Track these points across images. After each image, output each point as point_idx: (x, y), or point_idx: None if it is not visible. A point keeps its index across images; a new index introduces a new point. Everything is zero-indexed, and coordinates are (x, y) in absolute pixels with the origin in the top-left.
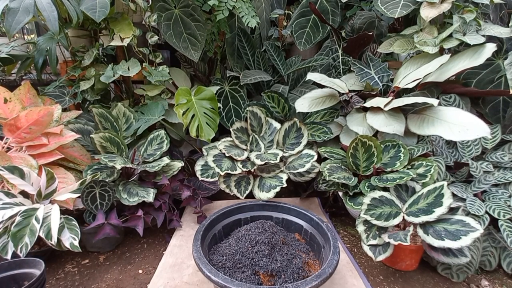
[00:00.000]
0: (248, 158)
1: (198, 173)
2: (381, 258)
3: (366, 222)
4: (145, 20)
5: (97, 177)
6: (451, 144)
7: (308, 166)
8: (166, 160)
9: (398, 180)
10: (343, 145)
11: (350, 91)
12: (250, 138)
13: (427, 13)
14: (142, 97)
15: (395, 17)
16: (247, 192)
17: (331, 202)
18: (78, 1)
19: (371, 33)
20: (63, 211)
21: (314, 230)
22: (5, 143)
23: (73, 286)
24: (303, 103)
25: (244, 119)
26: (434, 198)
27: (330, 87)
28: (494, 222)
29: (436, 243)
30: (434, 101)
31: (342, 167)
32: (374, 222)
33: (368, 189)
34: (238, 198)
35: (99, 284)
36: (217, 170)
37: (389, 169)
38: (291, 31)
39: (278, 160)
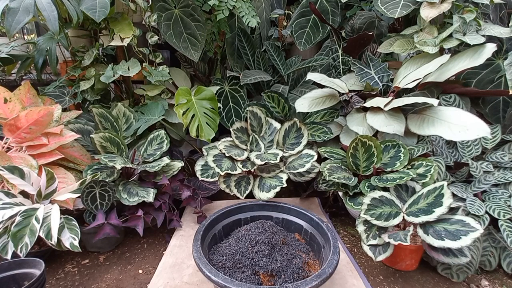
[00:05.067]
0: (248, 158)
1: (198, 173)
2: (381, 258)
3: (366, 222)
4: (145, 20)
5: (97, 177)
6: (451, 144)
7: (308, 166)
8: (166, 160)
9: (398, 180)
10: (343, 145)
11: (350, 91)
12: (250, 138)
13: (427, 13)
14: (142, 97)
15: (395, 17)
16: (247, 192)
17: (331, 202)
18: (78, 1)
19: (371, 33)
20: (63, 211)
21: (314, 230)
22: (5, 143)
23: (73, 286)
24: (303, 103)
25: (244, 119)
26: (434, 198)
27: (330, 87)
28: (494, 222)
29: (436, 243)
30: (434, 101)
31: (342, 167)
32: (374, 222)
33: (368, 189)
34: (238, 198)
35: (99, 284)
36: (217, 170)
37: (389, 169)
38: (291, 31)
39: (278, 160)
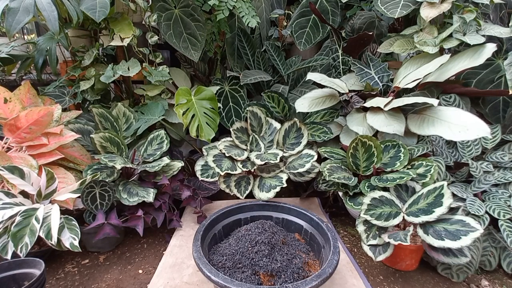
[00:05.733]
0: (248, 158)
1: (198, 173)
2: (381, 258)
3: (366, 222)
4: (145, 20)
5: (97, 177)
6: (451, 144)
7: (308, 166)
8: (166, 160)
9: (398, 180)
10: (343, 145)
11: (350, 91)
12: (250, 138)
13: (427, 13)
14: (142, 97)
15: (395, 17)
16: (247, 192)
17: (331, 202)
18: (78, 1)
19: (371, 33)
20: (63, 211)
21: (314, 230)
22: (5, 143)
23: (73, 286)
24: (303, 103)
25: (244, 119)
26: (434, 198)
27: (330, 87)
28: (494, 222)
29: (436, 243)
30: (434, 101)
31: (342, 167)
32: (374, 222)
33: (368, 189)
34: (238, 198)
35: (99, 284)
36: (217, 170)
37: (389, 169)
38: (291, 31)
39: (278, 160)
